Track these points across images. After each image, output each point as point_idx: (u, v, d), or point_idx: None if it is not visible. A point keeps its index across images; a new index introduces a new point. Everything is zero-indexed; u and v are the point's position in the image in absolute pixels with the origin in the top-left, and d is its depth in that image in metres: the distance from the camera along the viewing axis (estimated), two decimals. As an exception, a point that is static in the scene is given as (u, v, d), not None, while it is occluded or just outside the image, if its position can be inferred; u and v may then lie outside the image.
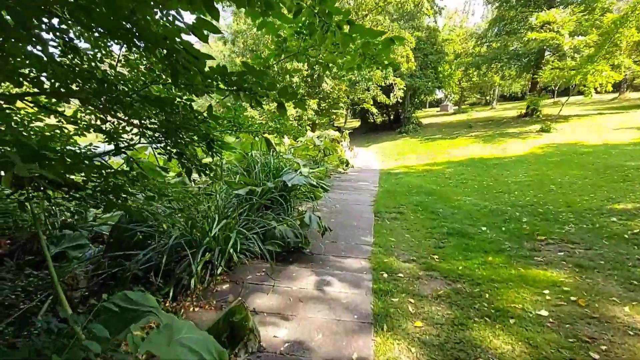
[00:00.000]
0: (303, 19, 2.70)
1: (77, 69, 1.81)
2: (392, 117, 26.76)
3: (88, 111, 2.22)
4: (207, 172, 2.23)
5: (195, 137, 2.37)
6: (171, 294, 2.77)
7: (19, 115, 1.99)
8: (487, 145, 12.66)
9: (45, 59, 1.55)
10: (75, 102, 2.06)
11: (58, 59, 1.74)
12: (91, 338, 1.43)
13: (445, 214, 5.39)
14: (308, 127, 16.24)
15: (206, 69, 1.85)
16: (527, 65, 17.61)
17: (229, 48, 17.62)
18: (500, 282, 3.11)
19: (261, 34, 15.84)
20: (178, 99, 2.36)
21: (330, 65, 3.13)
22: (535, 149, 10.81)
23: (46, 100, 2.16)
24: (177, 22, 1.56)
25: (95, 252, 3.35)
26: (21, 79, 1.58)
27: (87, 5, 1.39)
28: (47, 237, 3.23)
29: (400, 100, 18.32)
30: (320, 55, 3.01)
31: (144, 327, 2.15)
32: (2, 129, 1.66)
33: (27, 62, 1.58)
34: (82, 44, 1.99)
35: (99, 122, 2.27)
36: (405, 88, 17.47)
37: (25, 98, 1.85)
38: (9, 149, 1.49)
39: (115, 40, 1.83)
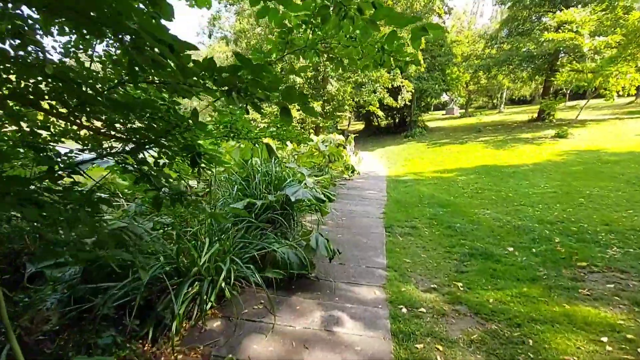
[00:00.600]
0: (313, 4, 2.23)
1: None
2: (397, 121, 26.24)
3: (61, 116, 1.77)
4: (184, 202, 1.74)
5: (177, 149, 1.90)
6: (150, 334, 2.30)
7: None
8: (499, 152, 12.11)
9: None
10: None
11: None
12: None
13: (463, 230, 4.88)
14: (311, 130, 15.78)
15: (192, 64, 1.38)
16: (541, 68, 17.03)
17: (232, 49, 17.18)
18: (543, 322, 2.60)
19: (264, 34, 15.42)
20: (161, 102, 1.89)
21: (345, 61, 2.65)
22: (553, 156, 10.25)
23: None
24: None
25: (77, 271, 2.88)
26: None
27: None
28: (28, 254, 2.77)
29: (408, 103, 17.80)
30: (334, 49, 2.53)
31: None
32: None
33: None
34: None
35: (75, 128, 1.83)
36: (413, 90, 16.95)
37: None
38: None
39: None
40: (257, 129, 3.62)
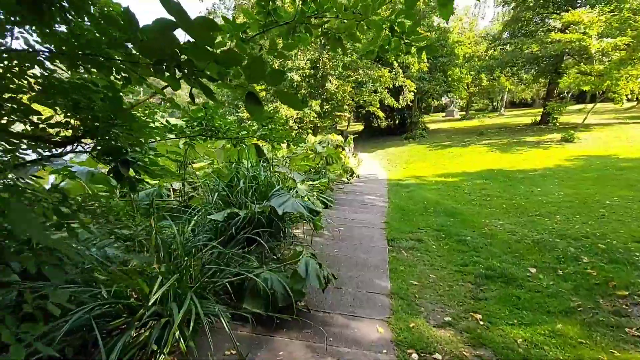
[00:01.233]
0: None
1: None
2: (397, 122, 25.71)
3: None
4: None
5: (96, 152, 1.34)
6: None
7: None
8: (505, 155, 11.59)
9: None
10: None
11: None
12: None
13: (475, 244, 4.33)
14: (309, 131, 15.21)
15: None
16: (545, 70, 16.53)
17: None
18: (592, 378, 2.05)
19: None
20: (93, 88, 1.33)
21: (346, 42, 2.09)
22: (562, 161, 9.74)
23: None
24: None
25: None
26: None
27: None
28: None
29: (410, 104, 17.24)
30: (333, 23, 1.97)
31: None
32: None
33: None
34: None
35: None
36: (415, 91, 16.41)
37: None
38: None
39: None
40: (241, 127, 3.05)
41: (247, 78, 1.05)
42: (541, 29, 17.38)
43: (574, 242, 4.16)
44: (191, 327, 1.85)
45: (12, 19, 1.10)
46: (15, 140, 1.30)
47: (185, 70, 1.03)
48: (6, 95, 1.17)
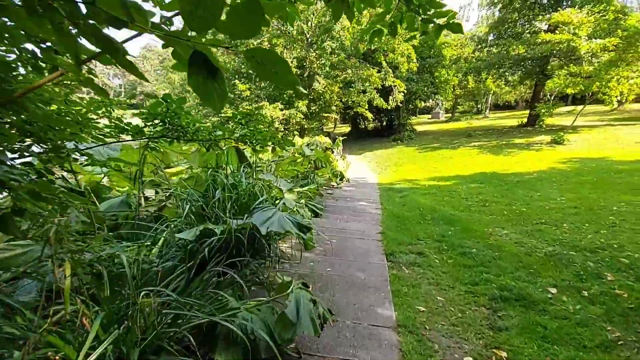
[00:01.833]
0: None
1: None
2: (384, 124, 25.47)
3: None
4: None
5: None
6: None
7: None
8: (497, 158, 11.36)
9: None
10: None
11: None
12: None
13: (482, 258, 3.90)
14: (296, 132, 14.66)
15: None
16: (531, 72, 16.55)
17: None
18: None
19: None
20: None
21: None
22: (556, 163, 9.54)
23: None
24: None
25: None
26: None
27: None
28: None
29: (400, 104, 16.92)
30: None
31: None
32: None
33: None
34: None
35: None
36: (405, 91, 16.10)
37: None
38: None
39: None
40: (215, 127, 2.49)
41: (187, 20, 0.52)
42: (527, 31, 17.42)
43: (591, 256, 3.78)
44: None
45: None
46: None
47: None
48: None
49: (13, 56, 1.02)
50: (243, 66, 14.77)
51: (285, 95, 15.17)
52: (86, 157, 1.92)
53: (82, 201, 2.75)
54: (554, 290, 3.12)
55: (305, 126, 15.14)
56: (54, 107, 1.38)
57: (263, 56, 0.60)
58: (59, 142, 1.23)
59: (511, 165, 9.98)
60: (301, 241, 2.87)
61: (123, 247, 2.52)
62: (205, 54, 0.58)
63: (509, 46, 17.29)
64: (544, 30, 15.82)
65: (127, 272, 1.87)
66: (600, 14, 12.08)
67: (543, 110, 14.52)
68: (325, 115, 16.24)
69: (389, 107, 16.60)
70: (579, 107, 14.68)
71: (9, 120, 0.92)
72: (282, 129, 13.86)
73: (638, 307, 2.75)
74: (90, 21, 0.53)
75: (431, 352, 2.29)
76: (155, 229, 2.75)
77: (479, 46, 20.61)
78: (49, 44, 0.88)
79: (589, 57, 12.05)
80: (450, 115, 32.56)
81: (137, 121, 2.31)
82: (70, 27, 0.60)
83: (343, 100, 15.71)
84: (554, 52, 14.01)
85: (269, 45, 13.88)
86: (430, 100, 32.32)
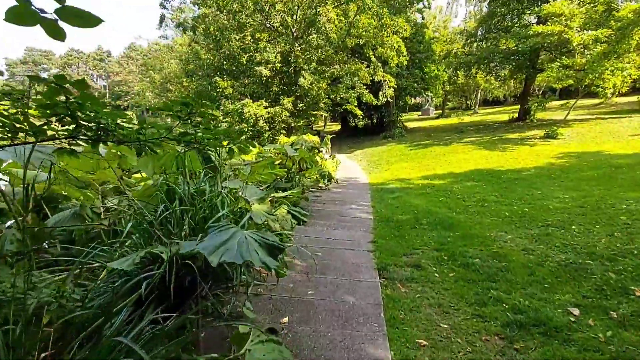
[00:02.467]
0: None
1: None
2: (375, 121, 25.02)
3: None
4: None
5: None
6: None
7: None
8: (491, 154, 10.97)
9: None
10: None
11: None
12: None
13: (488, 270, 3.41)
14: (283, 132, 14.07)
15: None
16: (521, 65, 16.26)
17: (189, 36, 15.13)
18: None
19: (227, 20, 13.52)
20: None
21: None
22: (552, 158, 9.18)
23: None
24: None
25: None
26: None
27: None
28: None
29: (390, 100, 16.43)
30: None
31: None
32: None
33: None
34: None
35: None
36: (395, 86, 15.61)
37: None
38: None
39: None
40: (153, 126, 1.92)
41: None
42: (517, 25, 17.12)
43: (610, 265, 3.32)
44: None
45: None
46: None
47: None
48: None
49: None
50: (225, 62, 14.08)
51: (271, 93, 14.55)
52: None
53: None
54: (576, 312, 2.64)
55: (292, 124, 14.53)
56: None
57: None
58: None
59: (507, 162, 9.59)
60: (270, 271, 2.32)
61: (43, 279, 1.95)
62: None
63: (499, 40, 17.00)
64: (534, 24, 15.54)
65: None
66: (592, 5, 11.80)
67: (536, 104, 14.21)
68: (314, 113, 15.67)
69: (379, 104, 16.12)
70: (571, 101, 14.39)
71: None
72: (268, 128, 13.25)
73: (682, 334, 2.28)
74: None
75: (439, 410, 1.78)
76: (87, 254, 2.18)
77: (469, 41, 20.28)
78: None
79: (581, 49, 11.76)
80: (440, 111, 32.31)
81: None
82: None
83: (331, 96, 15.16)
84: (545, 45, 13.69)
85: (251, 40, 13.26)
86: (420, 97, 32.07)
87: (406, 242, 4.29)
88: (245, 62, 13.08)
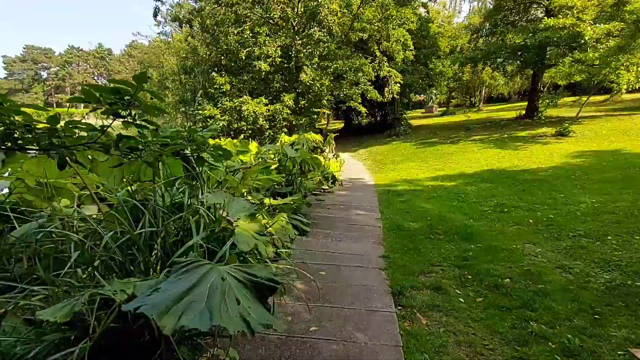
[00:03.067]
0: None
1: None
2: (379, 118, 24.44)
3: None
4: None
5: None
6: None
7: None
8: (502, 153, 10.43)
9: None
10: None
11: None
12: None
13: (521, 294, 2.92)
14: (285, 130, 13.55)
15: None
16: (529, 61, 15.64)
17: (187, 31, 14.57)
18: None
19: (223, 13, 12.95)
20: None
21: None
22: (568, 158, 8.64)
23: None
24: None
25: None
26: None
27: None
28: None
29: (397, 96, 15.83)
30: None
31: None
32: None
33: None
34: None
35: None
36: (402, 82, 15.01)
37: None
38: None
39: None
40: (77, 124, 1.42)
41: None
42: (524, 19, 16.51)
43: (668, 288, 2.82)
44: None
45: None
46: None
47: None
48: None
49: None
50: (223, 58, 13.53)
51: (272, 90, 14.01)
52: None
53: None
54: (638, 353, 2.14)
55: (294, 122, 14.00)
56: None
57: None
58: None
59: (520, 161, 9.06)
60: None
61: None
62: None
63: (506, 34, 16.37)
64: (541, 18, 14.92)
65: None
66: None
67: (547, 101, 13.62)
68: (316, 110, 15.11)
69: (384, 100, 15.55)
70: (583, 98, 13.80)
71: None
72: (268, 127, 12.72)
73: None
74: None
75: None
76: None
77: (474, 36, 19.64)
78: None
79: (594, 43, 11.16)
80: (444, 108, 31.67)
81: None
82: None
83: (335, 93, 14.60)
84: (554, 39, 13.06)
85: (250, 34, 12.70)
86: (423, 95, 31.44)
87: (422, 257, 3.79)
88: (244, 58, 12.55)
